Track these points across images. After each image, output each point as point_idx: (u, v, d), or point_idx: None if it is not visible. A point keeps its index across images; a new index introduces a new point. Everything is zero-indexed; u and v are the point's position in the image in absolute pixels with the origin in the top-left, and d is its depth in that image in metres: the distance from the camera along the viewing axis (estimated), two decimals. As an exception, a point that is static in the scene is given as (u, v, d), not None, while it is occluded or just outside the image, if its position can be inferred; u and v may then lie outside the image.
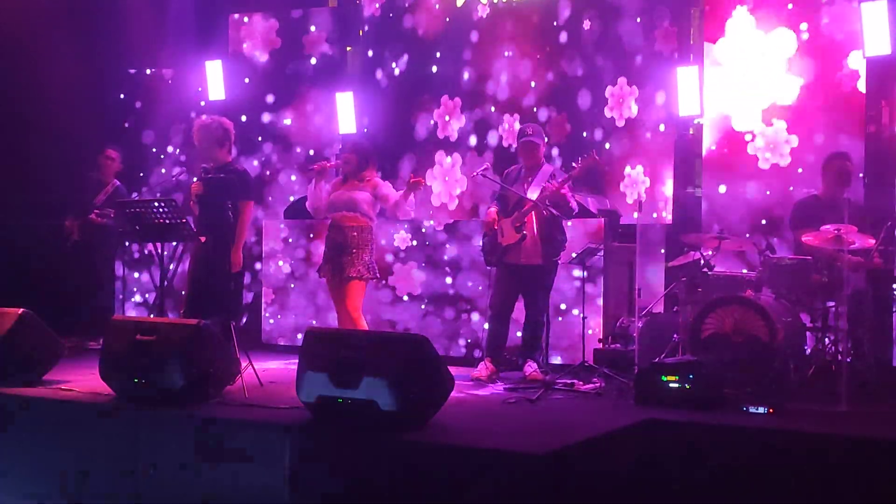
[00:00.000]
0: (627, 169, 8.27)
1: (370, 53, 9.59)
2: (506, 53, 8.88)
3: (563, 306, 8.17)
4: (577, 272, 7.80)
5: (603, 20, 8.48)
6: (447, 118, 9.09)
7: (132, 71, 10.50)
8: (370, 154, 7.24)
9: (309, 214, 7.50)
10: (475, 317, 8.58)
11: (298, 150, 9.83)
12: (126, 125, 10.49)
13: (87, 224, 9.02)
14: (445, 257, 8.79)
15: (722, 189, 7.92)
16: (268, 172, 9.87)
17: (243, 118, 9.82)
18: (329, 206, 7.11)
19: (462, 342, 8.63)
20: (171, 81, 10.40)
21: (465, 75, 9.07)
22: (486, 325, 7.54)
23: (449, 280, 8.74)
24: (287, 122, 9.86)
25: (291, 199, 9.78)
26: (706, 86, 7.96)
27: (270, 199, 9.89)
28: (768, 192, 7.72)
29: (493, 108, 8.93)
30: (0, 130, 9.50)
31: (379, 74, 9.51)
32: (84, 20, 9.90)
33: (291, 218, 9.66)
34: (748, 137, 7.80)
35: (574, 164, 7.18)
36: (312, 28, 9.85)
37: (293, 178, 9.76)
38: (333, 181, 7.32)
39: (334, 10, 9.99)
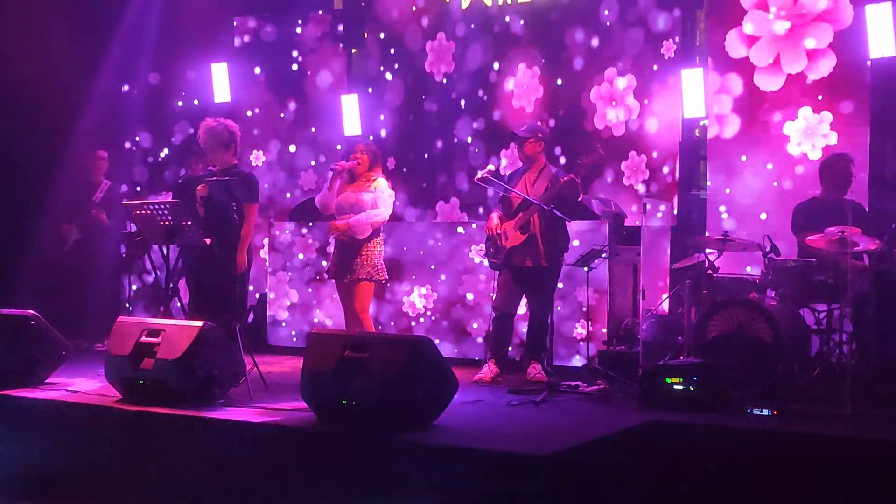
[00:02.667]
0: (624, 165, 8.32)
1: (375, 55, 9.67)
2: (511, 52, 8.96)
3: (566, 308, 8.17)
4: (581, 274, 7.79)
5: (607, 21, 8.51)
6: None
7: (131, 75, 10.54)
8: (378, 155, 7.29)
9: (316, 216, 7.52)
10: (479, 318, 8.57)
11: (303, 151, 9.87)
12: (125, 127, 10.52)
13: (89, 223, 9.06)
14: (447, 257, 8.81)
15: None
16: (273, 172, 9.93)
17: (249, 116, 9.88)
18: (337, 208, 7.12)
19: (466, 343, 8.63)
20: (173, 84, 10.44)
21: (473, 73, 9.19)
22: (491, 327, 7.55)
23: (454, 280, 8.75)
24: (291, 124, 9.91)
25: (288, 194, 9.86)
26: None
27: (274, 200, 9.91)
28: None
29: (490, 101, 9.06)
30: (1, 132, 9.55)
31: (384, 75, 9.60)
32: (85, 23, 9.93)
33: (298, 219, 9.68)
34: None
35: (580, 161, 7.19)
36: (318, 31, 9.88)
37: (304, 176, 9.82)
38: (341, 181, 7.33)
39: (339, 13, 10.03)
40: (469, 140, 9.28)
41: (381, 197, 7.07)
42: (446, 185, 9.44)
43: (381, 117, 9.63)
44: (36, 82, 9.44)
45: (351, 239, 6.98)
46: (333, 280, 7.23)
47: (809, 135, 7.64)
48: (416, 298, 8.77)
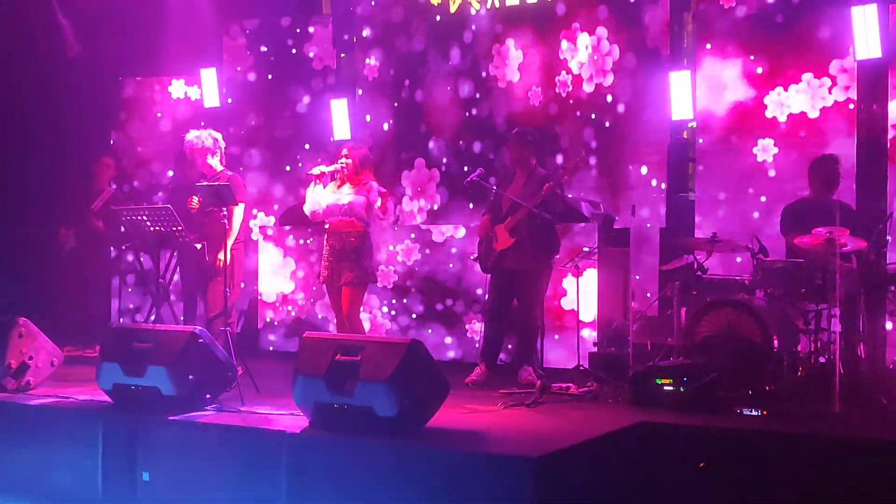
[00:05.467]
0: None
1: (364, 59, 9.70)
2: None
3: (557, 309, 8.20)
4: (571, 276, 7.82)
5: (596, 20, 8.55)
6: None
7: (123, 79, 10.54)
8: (366, 158, 7.21)
9: (305, 220, 7.51)
10: (471, 321, 8.60)
11: (293, 155, 9.88)
12: (119, 133, 10.52)
13: (85, 231, 9.05)
14: (442, 258, 8.84)
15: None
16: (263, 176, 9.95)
17: (238, 120, 9.91)
18: (327, 211, 7.10)
19: (458, 346, 8.65)
20: (164, 89, 10.44)
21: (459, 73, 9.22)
22: (481, 330, 7.56)
23: (444, 282, 8.78)
24: (281, 128, 9.92)
25: (275, 208, 9.88)
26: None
27: (265, 204, 9.92)
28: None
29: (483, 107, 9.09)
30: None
31: (371, 77, 9.63)
32: (80, 29, 9.94)
33: (288, 223, 9.69)
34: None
35: (564, 167, 7.24)
36: (306, 35, 9.89)
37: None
38: (329, 185, 7.31)
39: (328, 17, 10.04)
40: (463, 136, 9.29)
41: (372, 190, 7.03)
42: (437, 180, 9.42)
43: (368, 118, 9.64)
44: (26, 81, 9.45)
45: (343, 243, 6.98)
46: (325, 284, 7.22)
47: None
48: (408, 299, 8.82)
